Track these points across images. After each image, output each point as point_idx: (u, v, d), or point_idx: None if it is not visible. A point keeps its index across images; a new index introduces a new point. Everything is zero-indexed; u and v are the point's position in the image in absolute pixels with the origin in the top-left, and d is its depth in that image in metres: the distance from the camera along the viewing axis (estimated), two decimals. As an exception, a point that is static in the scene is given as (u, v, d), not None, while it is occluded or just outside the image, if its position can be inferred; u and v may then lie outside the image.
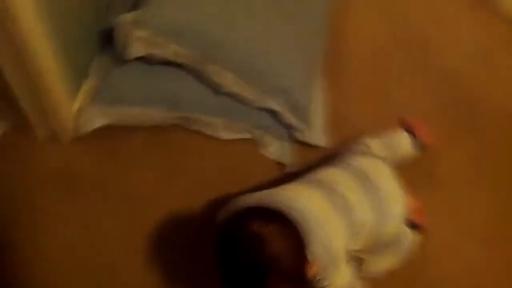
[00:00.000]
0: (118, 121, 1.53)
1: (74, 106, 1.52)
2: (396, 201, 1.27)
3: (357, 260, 1.32)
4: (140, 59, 1.46)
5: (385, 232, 1.27)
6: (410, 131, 1.47)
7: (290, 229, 1.06)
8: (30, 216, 1.42)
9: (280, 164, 1.58)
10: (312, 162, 1.50)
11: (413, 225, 1.32)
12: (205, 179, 1.53)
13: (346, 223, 1.19)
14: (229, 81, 1.46)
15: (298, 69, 1.56)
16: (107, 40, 1.50)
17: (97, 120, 1.51)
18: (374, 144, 1.43)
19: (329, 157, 1.43)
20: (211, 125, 1.56)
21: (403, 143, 1.46)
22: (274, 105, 1.52)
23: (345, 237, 1.19)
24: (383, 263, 1.36)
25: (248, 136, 1.60)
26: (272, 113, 1.55)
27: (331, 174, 1.28)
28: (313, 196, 1.21)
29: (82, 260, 1.38)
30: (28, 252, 1.37)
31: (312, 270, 1.08)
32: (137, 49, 1.39)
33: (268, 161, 1.59)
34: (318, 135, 1.62)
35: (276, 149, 1.59)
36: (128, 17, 1.38)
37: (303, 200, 1.18)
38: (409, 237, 1.31)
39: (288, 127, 1.58)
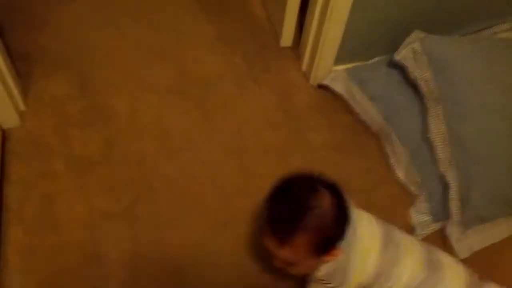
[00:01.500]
0: (346, 95, 1.79)
1: (335, 66, 1.85)
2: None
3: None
4: (400, 72, 1.69)
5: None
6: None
7: (344, 215, 1.11)
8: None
9: (411, 230, 1.55)
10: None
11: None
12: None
13: (380, 269, 1.16)
14: (437, 130, 1.54)
15: (504, 177, 1.49)
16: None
17: (339, 84, 1.81)
18: None
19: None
20: (398, 155, 1.65)
21: None
22: (451, 179, 1.51)
23: (368, 277, 1.17)
24: None
25: (412, 189, 1.62)
26: (446, 189, 1.54)
27: (409, 239, 1.26)
28: (375, 232, 1.22)
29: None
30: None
31: (333, 256, 1.11)
32: (405, 55, 1.61)
33: (405, 218, 1.58)
34: (466, 247, 1.51)
35: (421, 219, 1.56)
36: (421, 34, 1.62)
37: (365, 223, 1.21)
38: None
39: (449, 213, 1.53)
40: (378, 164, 1.70)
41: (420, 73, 1.59)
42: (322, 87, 1.87)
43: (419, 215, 1.57)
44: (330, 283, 1.21)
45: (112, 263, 1.41)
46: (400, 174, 1.65)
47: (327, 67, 1.83)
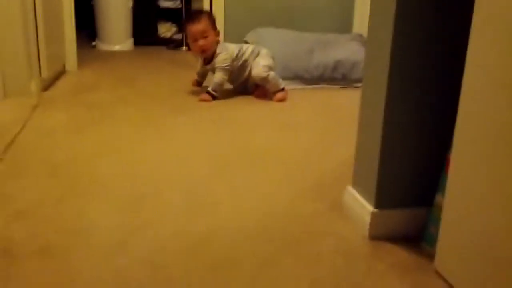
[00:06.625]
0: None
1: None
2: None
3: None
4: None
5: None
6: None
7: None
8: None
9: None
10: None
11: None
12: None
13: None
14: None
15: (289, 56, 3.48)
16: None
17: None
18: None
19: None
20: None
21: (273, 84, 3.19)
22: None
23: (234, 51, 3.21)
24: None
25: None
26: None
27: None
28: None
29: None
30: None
31: (218, 36, 3.24)
32: (248, 36, 3.78)
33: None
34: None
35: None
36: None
37: None
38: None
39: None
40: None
41: (250, 39, 3.75)
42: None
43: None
44: (225, 64, 3.16)
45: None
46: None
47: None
